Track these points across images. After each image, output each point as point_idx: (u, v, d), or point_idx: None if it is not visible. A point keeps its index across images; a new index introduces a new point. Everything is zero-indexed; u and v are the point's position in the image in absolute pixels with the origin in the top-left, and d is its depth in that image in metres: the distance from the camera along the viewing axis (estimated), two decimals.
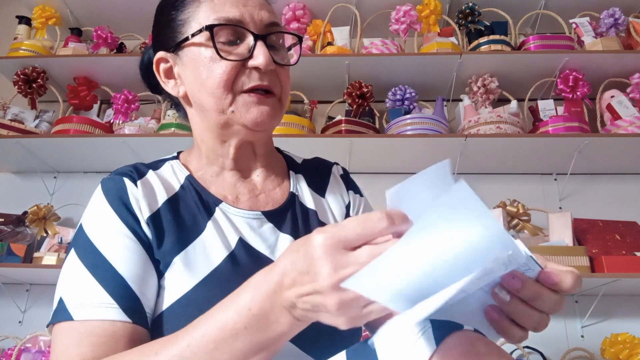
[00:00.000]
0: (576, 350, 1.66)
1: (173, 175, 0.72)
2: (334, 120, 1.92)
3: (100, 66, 2.07)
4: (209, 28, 0.65)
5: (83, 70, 2.09)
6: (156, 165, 0.74)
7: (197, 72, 0.67)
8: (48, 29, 2.19)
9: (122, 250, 0.60)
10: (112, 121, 1.98)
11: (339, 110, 2.09)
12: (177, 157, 0.77)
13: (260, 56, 0.65)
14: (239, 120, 0.66)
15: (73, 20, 2.29)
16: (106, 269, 0.58)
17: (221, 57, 0.64)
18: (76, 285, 0.58)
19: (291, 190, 0.77)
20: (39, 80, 2.02)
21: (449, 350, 0.44)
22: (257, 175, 0.76)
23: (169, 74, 0.72)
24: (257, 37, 0.66)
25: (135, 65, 2.31)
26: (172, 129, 1.88)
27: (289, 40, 0.74)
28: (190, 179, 0.72)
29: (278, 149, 0.85)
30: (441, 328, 0.46)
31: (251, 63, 0.65)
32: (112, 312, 0.55)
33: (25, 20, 2.20)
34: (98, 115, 2.18)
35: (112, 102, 1.99)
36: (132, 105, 1.97)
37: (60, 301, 0.57)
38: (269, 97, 0.67)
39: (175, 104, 0.78)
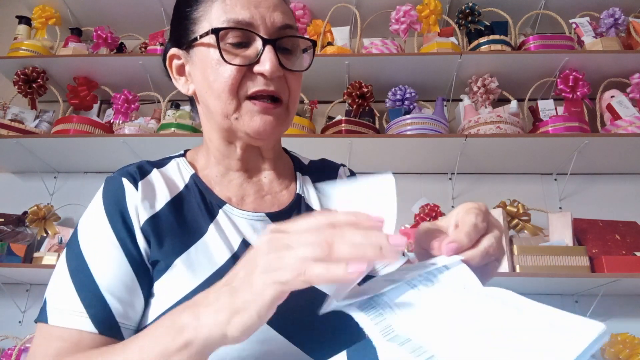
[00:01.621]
0: None
1: (178, 174, 0.72)
2: (334, 120, 1.92)
3: (100, 66, 2.07)
4: (215, 32, 0.63)
5: (83, 70, 2.09)
6: (162, 163, 0.73)
7: (205, 73, 0.66)
8: (48, 29, 2.19)
9: (105, 259, 0.60)
10: (112, 121, 1.98)
11: (339, 110, 2.09)
12: (183, 155, 0.76)
13: (267, 62, 0.63)
14: (242, 128, 0.65)
15: (73, 20, 2.29)
16: (85, 276, 0.59)
17: (226, 61, 0.63)
18: (57, 287, 0.60)
19: (297, 191, 0.75)
20: (39, 80, 2.02)
21: None
22: (265, 177, 0.74)
23: (181, 71, 0.72)
24: (265, 42, 0.63)
25: (135, 65, 2.32)
26: (172, 129, 1.88)
27: (304, 42, 0.71)
28: (195, 178, 0.71)
29: (285, 150, 0.84)
30: None
31: (257, 69, 0.63)
32: (80, 320, 0.56)
33: (25, 20, 2.20)
34: (98, 115, 2.18)
35: (112, 102, 1.99)
36: (132, 105, 1.96)
37: (45, 301, 0.59)
38: (276, 106, 0.65)
39: (190, 100, 0.77)
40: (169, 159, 0.75)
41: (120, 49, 2.21)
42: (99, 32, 2.09)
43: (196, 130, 1.90)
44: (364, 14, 2.10)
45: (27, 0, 2.23)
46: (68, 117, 1.96)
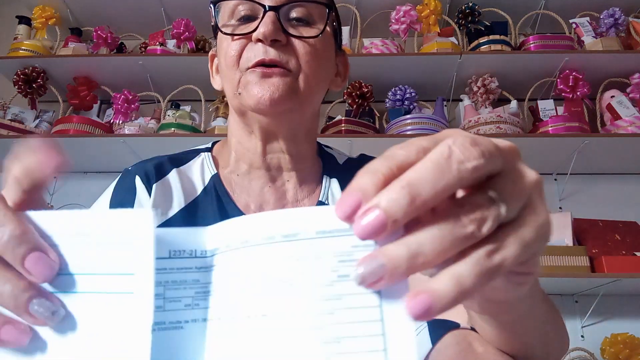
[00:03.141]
0: (576, 350, 1.65)
1: (199, 174, 0.68)
2: (334, 120, 1.92)
3: (100, 66, 2.07)
4: (214, 3, 0.62)
5: (83, 70, 2.09)
6: (186, 158, 0.70)
7: (220, 58, 0.64)
8: (48, 29, 2.19)
9: None
10: (112, 121, 1.98)
11: (339, 110, 2.09)
12: (210, 149, 0.72)
13: (262, 25, 0.57)
14: (246, 101, 0.59)
15: (73, 20, 2.28)
16: None
17: (222, 31, 0.61)
18: None
19: (320, 199, 0.68)
20: (39, 80, 2.02)
21: (445, 350, 0.44)
22: (288, 181, 0.68)
23: (217, 68, 0.70)
24: (266, 9, 0.58)
25: (135, 65, 2.31)
26: (172, 129, 1.88)
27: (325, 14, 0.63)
28: (215, 180, 0.67)
29: (324, 149, 0.77)
30: (437, 327, 0.46)
31: (254, 35, 0.59)
32: None
33: (25, 20, 2.20)
34: (98, 115, 2.18)
35: (112, 102, 1.99)
36: (132, 105, 1.97)
37: None
38: (279, 72, 0.59)
39: None
40: (195, 153, 0.71)
41: (120, 49, 2.21)
42: (99, 32, 2.09)
43: (196, 130, 1.90)
44: (364, 14, 2.09)
45: (27, 0, 2.23)
46: (68, 117, 1.96)
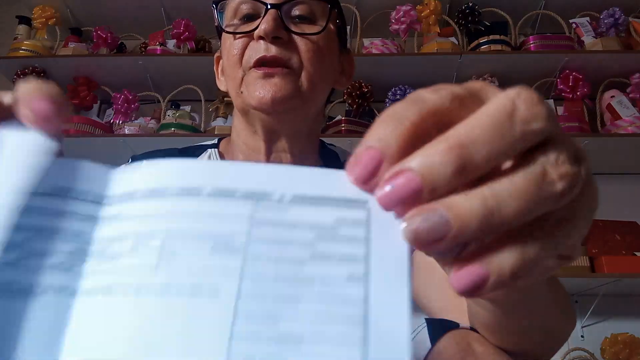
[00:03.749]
0: (576, 350, 1.65)
1: None
2: (334, 120, 1.92)
3: (100, 66, 2.07)
4: (215, 2, 0.62)
5: (83, 70, 2.09)
6: (193, 153, 0.70)
7: (223, 58, 0.64)
8: (48, 29, 2.19)
9: None
10: (112, 121, 1.98)
11: (339, 110, 2.09)
12: (217, 145, 0.72)
13: (263, 23, 0.57)
14: (248, 100, 0.59)
15: (73, 20, 2.28)
16: None
17: (224, 30, 0.61)
18: None
19: None
20: None
21: (444, 350, 0.43)
22: None
23: (223, 71, 0.69)
24: (267, 7, 0.58)
25: (135, 65, 2.31)
26: (172, 129, 1.88)
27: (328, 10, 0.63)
28: None
29: (328, 146, 0.76)
30: (436, 327, 0.45)
31: (255, 33, 0.59)
32: None
33: (25, 20, 2.19)
34: (98, 115, 2.18)
35: (112, 102, 1.99)
36: (132, 105, 1.97)
37: None
38: (281, 72, 0.58)
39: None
40: (202, 148, 0.71)
41: (120, 49, 2.21)
42: (99, 32, 2.09)
43: (196, 130, 1.90)
44: (364, 14, 2.09)
45: (27, 0, 2.23)
46: (68, 117, 1.96)
